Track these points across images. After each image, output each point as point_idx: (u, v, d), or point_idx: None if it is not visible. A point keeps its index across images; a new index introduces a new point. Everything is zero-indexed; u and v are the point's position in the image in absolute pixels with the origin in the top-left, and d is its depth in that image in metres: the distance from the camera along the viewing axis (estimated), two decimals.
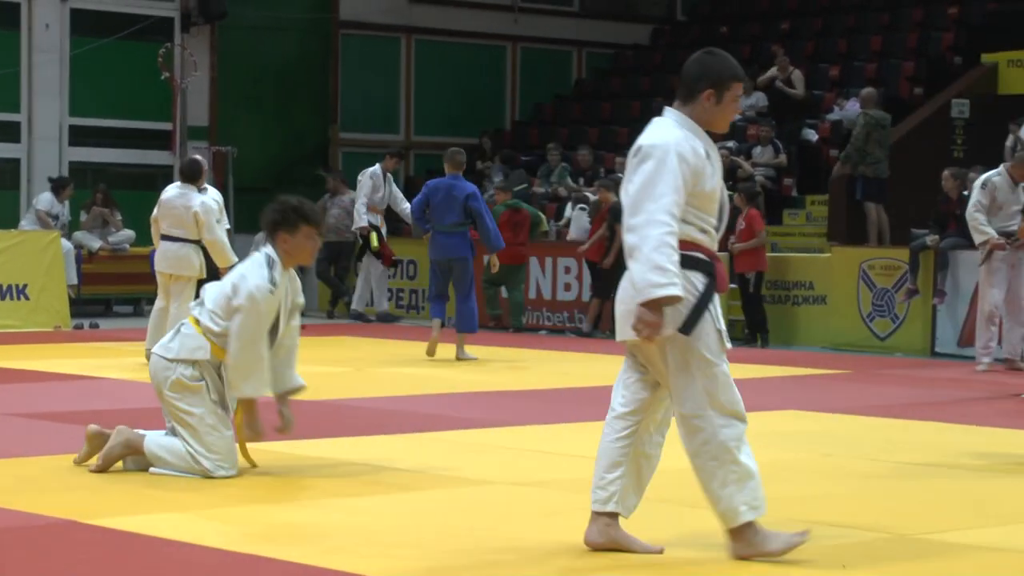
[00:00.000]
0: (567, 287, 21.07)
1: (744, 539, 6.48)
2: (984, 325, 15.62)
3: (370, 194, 21.60)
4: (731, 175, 21.59)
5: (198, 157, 16.70)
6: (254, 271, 8.41)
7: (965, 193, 17.52)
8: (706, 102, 6.58)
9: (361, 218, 21.52)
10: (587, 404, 12.21)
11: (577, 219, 21.64)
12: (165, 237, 15.15)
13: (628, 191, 6.42)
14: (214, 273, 15.89)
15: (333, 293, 23.31)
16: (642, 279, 6.25)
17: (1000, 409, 12.54)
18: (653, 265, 6.21)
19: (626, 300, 6.46)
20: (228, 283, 8.52)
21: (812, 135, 23.53)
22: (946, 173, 17.93)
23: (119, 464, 8.47)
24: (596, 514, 6.60)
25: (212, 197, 15.54)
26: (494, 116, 28.85)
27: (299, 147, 27.44)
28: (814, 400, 12.71)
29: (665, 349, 6.44)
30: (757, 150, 22.66)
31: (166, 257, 15.16)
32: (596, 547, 6.60)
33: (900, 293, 18.18)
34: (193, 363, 8.43)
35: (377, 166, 21.89)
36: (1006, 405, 12.85)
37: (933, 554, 6.76)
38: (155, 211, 15.36)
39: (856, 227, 20.87)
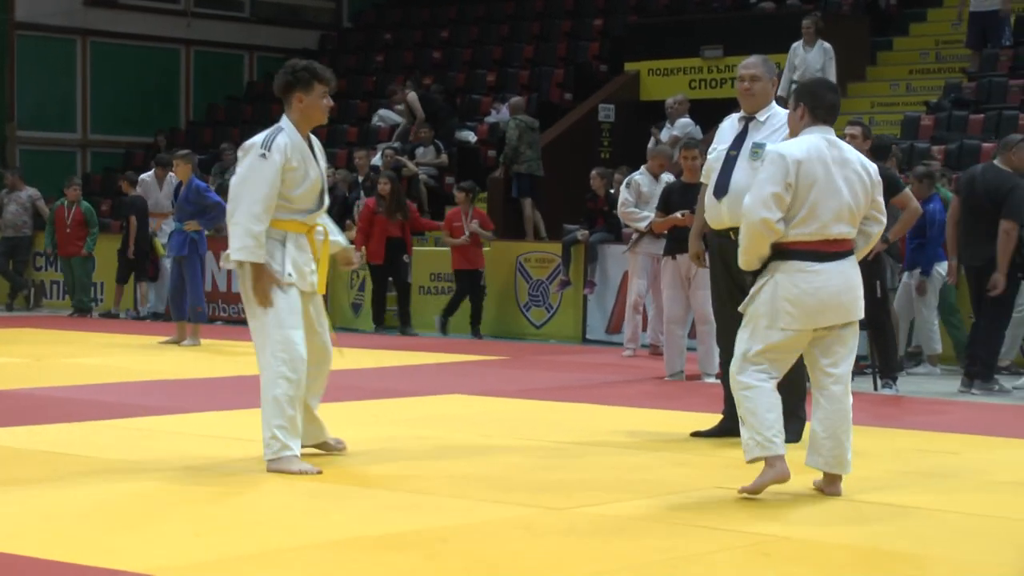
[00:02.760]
0: None
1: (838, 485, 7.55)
2: (631, 314, 15.97)
3: None
4: (396, 174, 21.62)
5: None
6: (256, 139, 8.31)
7: (611, 191, 17.90)
8: None
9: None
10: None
11: None
12: None
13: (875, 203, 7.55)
14: None
15: (12, 287, 22.71)
16: None
17: (644, 391, 12.82)
18: None
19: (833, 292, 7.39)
20: None
21: (471, 136, 23.71)
22: (594, 173, 18.28)
23: None
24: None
25: None
26: (169, 116, 28.44)
27: None
28: (474, 385, 12.78)
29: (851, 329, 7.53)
30: (420, 150, 22.74)
31: None
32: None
33: (554, 284, 18.49)
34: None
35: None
36: (649, 387, 13.14)
37: (584, 526, 6.87)
38: None
39: (513, 223, 21.14)
